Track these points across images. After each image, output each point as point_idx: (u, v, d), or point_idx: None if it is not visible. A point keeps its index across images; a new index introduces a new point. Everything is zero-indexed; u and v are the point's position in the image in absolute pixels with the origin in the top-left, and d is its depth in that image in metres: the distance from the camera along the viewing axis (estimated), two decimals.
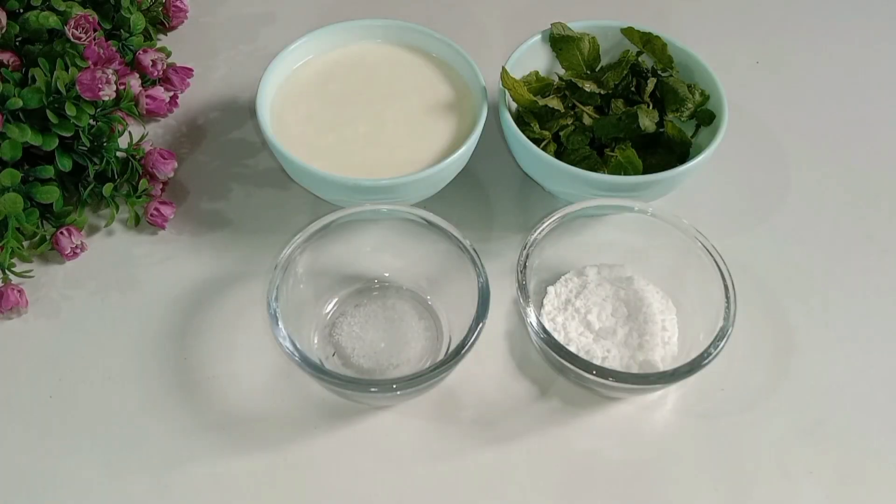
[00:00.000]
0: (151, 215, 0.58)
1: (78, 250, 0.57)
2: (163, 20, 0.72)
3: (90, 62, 0.56)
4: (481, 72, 0.59)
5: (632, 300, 0.54)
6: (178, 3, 0.72)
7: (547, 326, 0.51)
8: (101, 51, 0.57)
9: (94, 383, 0.52)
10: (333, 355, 0.52)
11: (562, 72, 0.62)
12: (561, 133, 0.58)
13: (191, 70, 0.67)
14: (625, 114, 0.57)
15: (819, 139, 0.67)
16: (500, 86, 0.57)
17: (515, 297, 0.52)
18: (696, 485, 0.49)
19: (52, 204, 0.57)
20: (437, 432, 0.50)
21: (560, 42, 0.61)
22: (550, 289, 0.55)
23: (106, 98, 0.54)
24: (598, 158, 0.56)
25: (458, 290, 0.51)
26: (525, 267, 0.50)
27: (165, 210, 0.58)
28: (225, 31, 0.74)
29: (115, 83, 0.55)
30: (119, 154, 0.58)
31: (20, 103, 0.53)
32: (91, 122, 0.56)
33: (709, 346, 0.47)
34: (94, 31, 0.58)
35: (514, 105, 0.59)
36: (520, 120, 0.58)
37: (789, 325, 0.56)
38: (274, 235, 0.59)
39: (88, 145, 0.56)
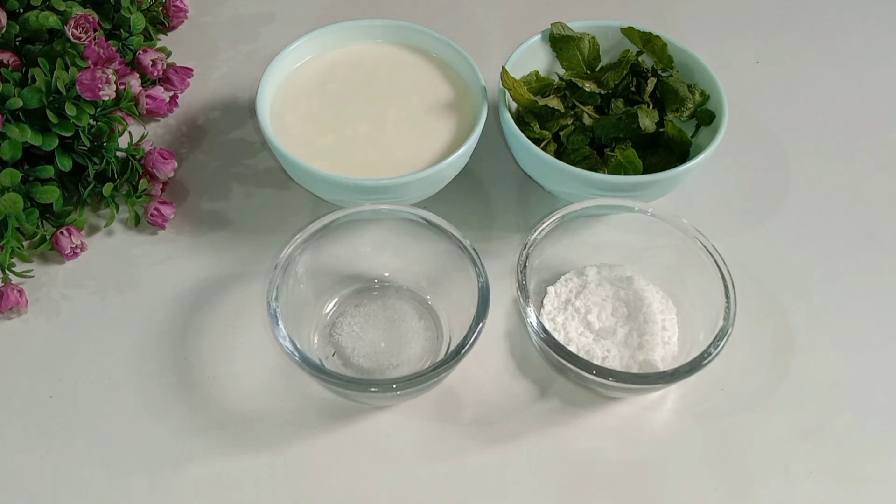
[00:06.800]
0: (151, 215, 0.58)
1: (78, 250, 0.57)
2: (163, 20, 0.72)
3: (90, 62, 0.56)
4: (481, 72, 0.59)
5: (632, 300, 0.54)
6: (178, 3, 0.72)
7: (547, 326, 0.51)
8: (101, 51, 0.57)
9: (94, 383, 0.52)
10: (333, 355, 0.52)
11: (562, 72, 0.62)
12: (561, 133, 0.58)
13: (191, 70, 0.67)
14: (625, 114, 0.57)
15: (819, 139, 0.67)
16: (500, 86, 0.57)
17: (515, 297, 0.52)
18: (696, 485, 0.49)
19: (52, 204, 0.57)
20: (437, 432, 0.50)
21: (560, 42, 0.61)
22: (550, 289, 0.55)
23: (106, 98, 0.54)
24: (598, 158, 0.56)
25: (458, 290, 0.51)
26: (525, 267, 0.50)
27: (165, 210, 0.58)
28: (225, 31, 0.74)
29: (115, 83, 0.55)
30: (119, 154, 0.58)
31: (20, 103, 0.53)
32: (91, 122, 0.56)
33: (709, 346, 0.47)
34: (94, 31, 0.58)
35: (514, 105, 0.59)
36: (520, 120, 0.58)
37: (789, 325, 0.56)
38: (274, 235, 0.59)
39: (88, 145, 0.56)
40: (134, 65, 0.64)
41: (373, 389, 0.46)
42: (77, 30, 0.57)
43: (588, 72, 0.62)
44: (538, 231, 0.52)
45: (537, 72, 0.61)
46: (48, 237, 0.56)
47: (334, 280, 0.55)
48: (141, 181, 0.59)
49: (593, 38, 0.62)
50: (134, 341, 0.54)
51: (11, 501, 0.47)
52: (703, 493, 0.49)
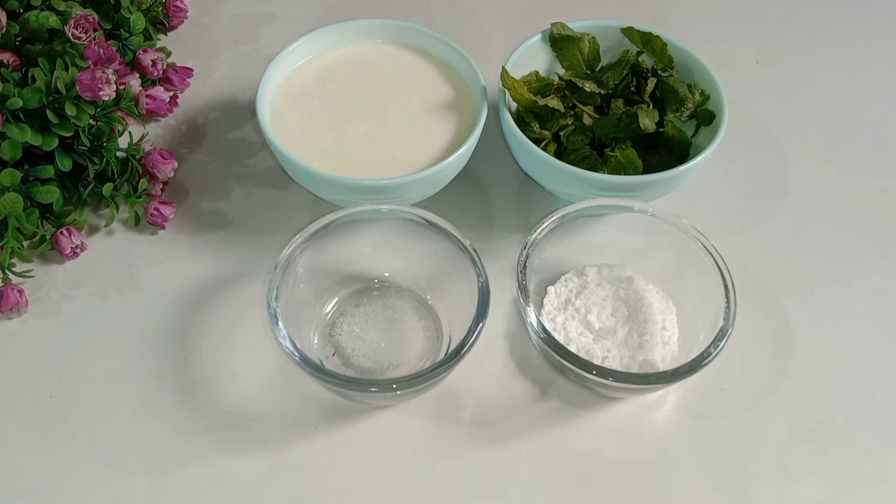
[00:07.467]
0: (151, 215, 0.58)
1: (78, 250, 0.57)
2: (163, 20, 0.72)
3: (90, 62, 0.56)
4: (481, 72, 0.59)
5: (632, 300, 0.54)
6: (178, 3, 0.72)
7: (547, 326, 0.51)
8: (101, 51, 0.57)
9: (94, 383, 0.52)
10: (333, 355, 0.52)
11: (562, 72, 0.62)
12: (561, 133, 0.58)
13: (191, 70, 0.67)
14: (625, 114, 0.57)
15: (819, 139, 0.67)
16: (500, 86, 0.57)
17: (515, 297, 0.52)
18: (696, 485, 0.49)
19: (52, 204, 0.57)
20: (437, 432, 0.50)
21: (560, 42, 0.61)
22: (550, 289, 0.55)
23: (106, 98, 0.54)
24: (598, 158, 0.56)
25: (458, 290, 0.51)
26: (525, 267, 0.50)
27: (165, 210, 0.58)
28: (225, 31, 0.74)
29: (115, 83, 0.55)
30: (119, 154, 0.58)
31: (20, 103, 0.53)
32: (91, 122, 0.56)
33: (709, 346, 0.47)
34: (94, 30, 0.58)
35: (514, 105, 0.59)
36: (520, 120, 0.58)
37: (789, 325, 0.56)
38: (274, 235, 0.59)
39: (88, 145, 0.56)
40: (134, 65, 0.64)
41: (373, 389, 0.46)
42: (77, 30, 0.57)
43: (588, 72, 0.62)
44: (538, 231, 0.52)
45: (537, 72, 0.61)
46: (48, 237, 0.56)
47: (334, 280, 0.55)
48: (141, 181, 0.59)
49: (593, 38, 0.62)
50: (134, 341, 0.54)
51: (11, 501, 0.47)
52: (703, 493, 0.49)
